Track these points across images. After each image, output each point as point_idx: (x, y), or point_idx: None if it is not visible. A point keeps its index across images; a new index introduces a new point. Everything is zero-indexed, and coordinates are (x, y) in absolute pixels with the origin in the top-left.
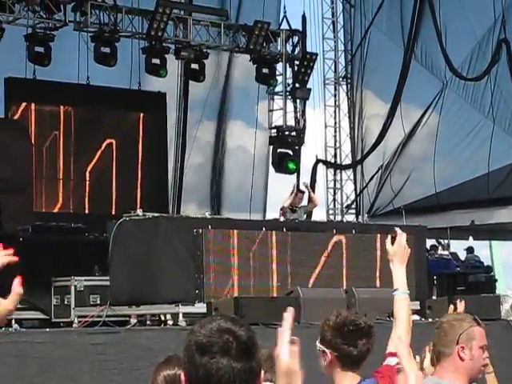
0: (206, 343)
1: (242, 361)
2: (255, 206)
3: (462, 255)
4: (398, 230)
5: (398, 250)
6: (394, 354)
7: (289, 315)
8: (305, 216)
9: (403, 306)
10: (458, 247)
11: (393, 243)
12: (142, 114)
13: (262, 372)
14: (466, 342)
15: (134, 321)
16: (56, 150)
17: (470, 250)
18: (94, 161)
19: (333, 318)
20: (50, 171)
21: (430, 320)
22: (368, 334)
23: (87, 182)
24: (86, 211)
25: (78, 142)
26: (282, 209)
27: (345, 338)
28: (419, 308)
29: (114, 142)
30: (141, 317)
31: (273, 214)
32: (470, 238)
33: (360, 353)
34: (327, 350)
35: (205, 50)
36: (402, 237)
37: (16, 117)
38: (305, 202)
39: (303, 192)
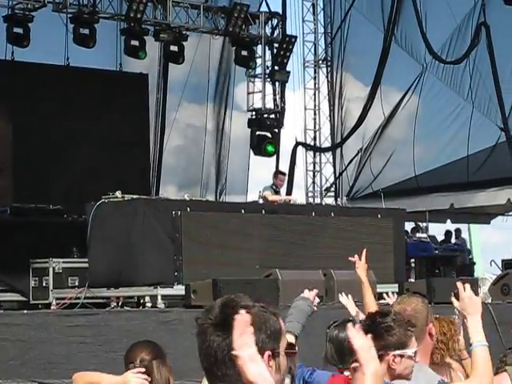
0: (200, 316)
1: (225, 336)
2: (236, 188)
3: (441, 238)
4: (459, 285)
5: (466, 304)
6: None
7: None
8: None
9: (479, 358)
10: (438, 230)
11: (457, 298)
12: (123, 96)
13: (266, 356)
14: (431, 318)
15: (113, 304)
16: (34, 131)
17: (458, 232)
18: (74, 142)
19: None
20: (29, 153)
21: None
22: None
23: (67, 164)
24: (65, 192)
25: (58, 123)
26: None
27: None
28: (397, 290)
29: (94, 123)
30: (119, 299)
31: (252, 196)
32: (448, 221)
33: None
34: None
35: (184, 32)
36: (466, 290)
37: None
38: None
39: (284, 173)
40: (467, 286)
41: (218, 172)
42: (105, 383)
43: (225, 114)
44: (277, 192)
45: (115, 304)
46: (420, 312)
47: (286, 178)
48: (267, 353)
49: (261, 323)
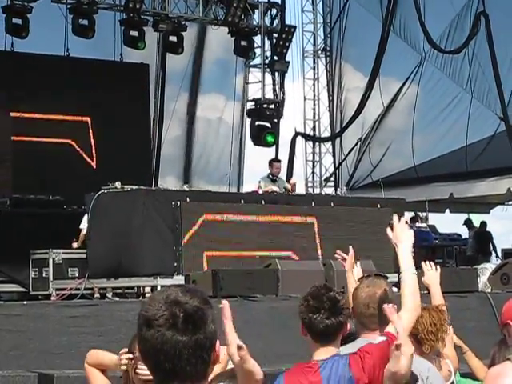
0: (151, 316)
1: (188, 334)
2: (232, 178)
3: (440, 228)
4: (395, 217)
5: (399, 232)
6: (388, 334)
7: (226, 309)
8: (283, 190)
9: (407, 285)
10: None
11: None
12: (124, 86)
13: (218, 345)
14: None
15: (109, 295)
16: (34, 122)
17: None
18: (75, 132)
19: (306, 292)
20: (28, 144)
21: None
22: (329, 309)
23: (67, 154)
24: (65, 183)
25: (58, 114)
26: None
27: (305, 311)
28: (397, 280)
29: (95, 113)
30: (118, 289)
31: (251, 186)
32: (447, 210)
33: (319, 327)
34: (301, 323)
35: (183, 23)
36: (399, 220)
37: None
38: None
39: (279, 160)
40: (403, 218)
41: (216, 162)
42: (105, 362)
43: (226, 104)
44: (274, 181)
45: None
46: (388, 296)
47: (282, 164)
48: (217, 342)
49: (211, 313)
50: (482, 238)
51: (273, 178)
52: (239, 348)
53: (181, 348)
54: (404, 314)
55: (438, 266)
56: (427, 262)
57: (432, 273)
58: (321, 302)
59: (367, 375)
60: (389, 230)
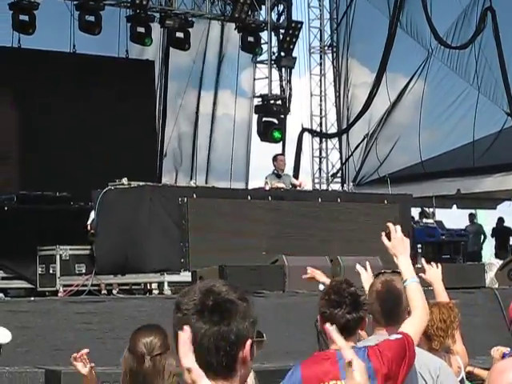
0: (182, 300)
1: (211, 323)
2: (239, 174)
3: (447, 223)
4: (390, 225)
5: (396, 243)
6: (403, 333)
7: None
8: (290, 186)
9: (416, 293)
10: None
11: (388, 238)
12: (129, 82)
13: (248, 344)
14: None
15: (114, 291)
16: (40, 118)
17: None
18: (82, 129)
19: (325, 287)
20: (35, 140)
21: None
22: (351, 304)
23: (74, 150)
24: (72, 180)
25: (65, 110)
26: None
27: (326, 305)
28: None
29: (101, 110)
30: (125, 285)
31: (258, 182)
32: (454, 206)
33: (340, 321)
34: (319, 318)
35: (190, 19)
36: (396, 230)
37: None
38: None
39: (282, 154)
40: (398, 227)
41: (223, 158)
42: None
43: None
44: (279, 176)
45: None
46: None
47: (285, 157)
48: (249, 341)
49: (245, 310)
50: (501, 234)
51: (278, 173)
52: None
53: (202, 335)
54: (413, 320)
55: (439, 264)
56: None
57: (433, 270)
58: (342, 296)
59: (386, 367)
60: (385, 238)
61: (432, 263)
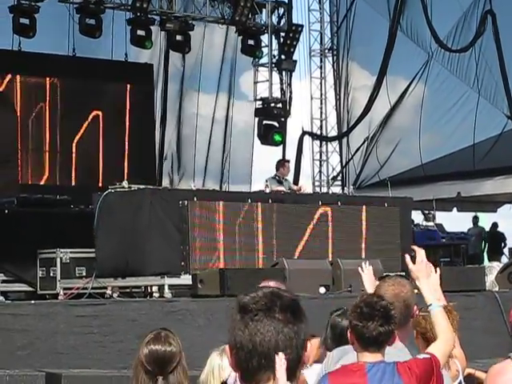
0: (249, 301)
1: (285, 321)
2: (241, 177)
3: (447, 227)
4: (415, 247)
5: (421, 268)
6: (431, 354)
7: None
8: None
9: (441, 320)
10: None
11: (412, 261)
12: (128, 86)
13: (308, 346)
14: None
15: (115, 295)
16: (42, 121)
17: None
18: (81, 133)
19: (357, 299)
20: (35, 143)
21: (416, 291)
22: (383, 317)
23: (73, 154)
24: (73, 183)
25: (65, 113)
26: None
27: (358, 318)
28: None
29: (100, 113)
30: (125, 289)
31: (258, 185)
32: (454, 209)
33: (372, 334)
34: (349, 330)
35: (190, 22)
36: (420, 253)
37: (1, 89)
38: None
39: (289, 161)
40: (422, 251)
41: (223, 162)
42: None
43: (232, 103)
44: (280, 182)
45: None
46: (412, 294)
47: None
48: (307, 341)
49: (303, 313)
50: (494, 239)
51: (279, 179)
52: None
53: (278, 333)
54: (439, 345)
55: (438, 269)
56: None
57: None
58: (374, 309)
59: (415, 383)
60: (409, 261)
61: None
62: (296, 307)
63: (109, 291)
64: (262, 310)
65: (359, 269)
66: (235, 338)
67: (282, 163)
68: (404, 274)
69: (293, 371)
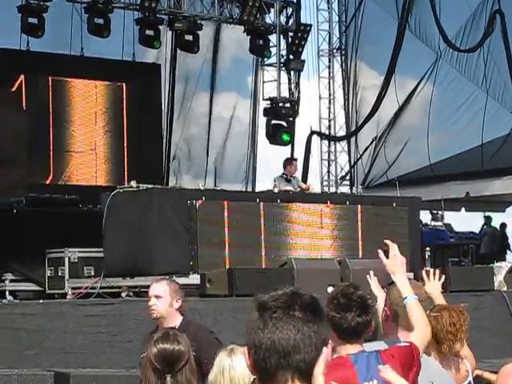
0: (269, 300)
1: (305, 320)
2: (246, 177)
3: (456, 226)
4: (388, 242)
5: (395, 262)
6: (410, 343)
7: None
8: (298, 189)
9: (416, 310)
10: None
11: (386, 256)
12: (135, 85)
13: (329, 347)
14: None
15: (124, 294)
16: (49, 121)
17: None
18: (88, 133)
19: (334, 291)
20: (43, 143)
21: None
22: (360, 307)
23: (81, 154)
24: (80, 183)
25: (72, 113)
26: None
27: (335, 309)
28: (413, 278)
29: (108, 113)
30: (134, 288)
31: (265, 185)
32: (463, 209)
33: (350, 325)
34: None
35: (199, 22)
36: (394, 248)
37: (13, 89)
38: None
39: (296, 159)
40: (395, 245)
41: (232, 161)
42: None
43: (240, 102)
44: (288, 180)
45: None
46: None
47: (297, 162)
48: (327, 340)
49: (323, 312)
50: (501, 239)
51: (287, 177)
52: None
53: (297, 331)
54: (415, 335)
55: (443, 276)
56: (431, 271)
57: (432, 284)
58: (351, 300)
59: (401, 370)
60: (383, 256)
61: (435, 274)
62: (316, 306)
63: (123, 292)
64: (281, 308)
65: (367, 277)
66: (253, 336)
67: (289, 161)
68: (412, 275)
69: (311, 371)
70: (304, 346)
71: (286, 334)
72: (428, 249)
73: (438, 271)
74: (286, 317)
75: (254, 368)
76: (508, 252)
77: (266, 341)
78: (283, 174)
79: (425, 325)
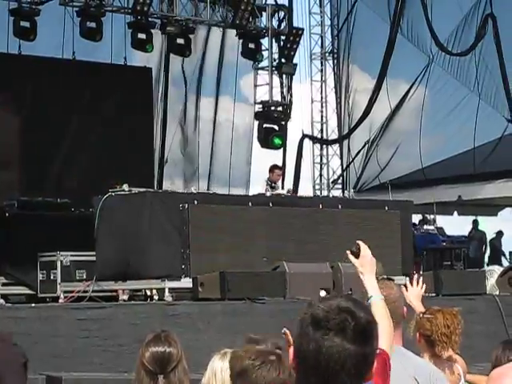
0: (323, 318)
1: (356, 344)
2: (239, 180)
3: (448, 230)
4: (359, 242)
5: (365, 262)
6: (380, 350)
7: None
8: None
9: (381, 309)
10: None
11: (354, 255)
12: (127, 89)
13: (375, 366)
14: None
15: (124, 297)
16: (42, 124)
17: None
18: (80, 136)
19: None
20: (36, 146)
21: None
22: None
23: (74, 158)
24: (73, 186)
25: (64, 116)
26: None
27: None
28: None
29: (99, 116)
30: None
31: (257, 188)
32: (455, 213)
33: None
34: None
35: (191, 25)
36: (365, 249)
37: (9, 92)
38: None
39: (280, 167)
40: (365, 246)
41: (224, 164)
42: None
43: (234, 106)
44: (272, 187)
45: (123, 298)
46: (400, 295)
47: (282, 171)
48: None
49: (376, 337)
50: (497, 247)
51: (271, 184)
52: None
53: (346, 356)
54: (382, 339)
55: (425, 285)
56: (415, 277)
57: (412, 290)
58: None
59: (377, 378)
60: (351, 256)
61: (418, 281)
62: (370, 331)
63: (123, 296)
64: (333, 331)
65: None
66: (300, 349)
67: (272, 169)
68: (405, 277)
69: None
70: (350, 368)
71: (333, 357)
72: (421, 253)
73: (421, 279)
74: (336, 338)
75: (296, 372)
76: (503, 259)
77: (312, 360)
78: (268, 179)
79: (387, 322)
